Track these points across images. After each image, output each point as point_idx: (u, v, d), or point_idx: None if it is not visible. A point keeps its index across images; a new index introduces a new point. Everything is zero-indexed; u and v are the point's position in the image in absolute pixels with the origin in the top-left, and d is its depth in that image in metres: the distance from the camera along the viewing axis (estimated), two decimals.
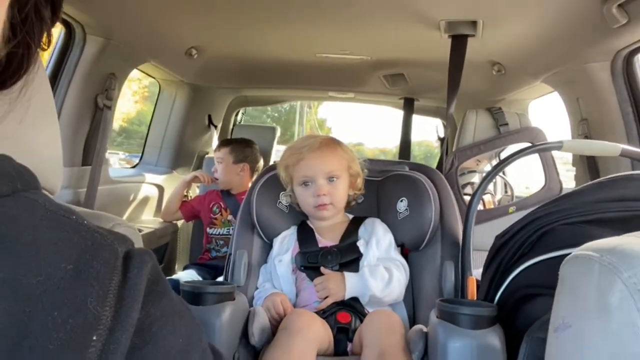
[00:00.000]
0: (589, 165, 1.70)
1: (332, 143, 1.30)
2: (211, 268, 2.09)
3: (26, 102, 0.39)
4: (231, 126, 3.05)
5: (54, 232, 0.30)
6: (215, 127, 2.77)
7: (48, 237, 0.29)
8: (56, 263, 0.28)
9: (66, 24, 1.57)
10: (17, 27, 0.32)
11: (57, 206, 0.32)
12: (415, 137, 2.71)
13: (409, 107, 2.66)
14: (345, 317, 1.12)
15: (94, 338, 0.27)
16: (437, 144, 2.87)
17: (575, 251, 0.47)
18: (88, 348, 0.27)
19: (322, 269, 1.20)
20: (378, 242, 1.24)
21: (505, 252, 0.92)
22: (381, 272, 1.18)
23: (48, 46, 0.36)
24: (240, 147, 2.21)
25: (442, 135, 2.89)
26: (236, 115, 3.11)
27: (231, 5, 1.56)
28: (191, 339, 0.34)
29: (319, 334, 1.05)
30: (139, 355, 0.30)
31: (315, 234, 1.28)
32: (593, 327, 0.41)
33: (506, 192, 2.29)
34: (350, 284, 1.15)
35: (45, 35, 0.35)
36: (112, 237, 0.32)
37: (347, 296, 1.15)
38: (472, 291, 1.09)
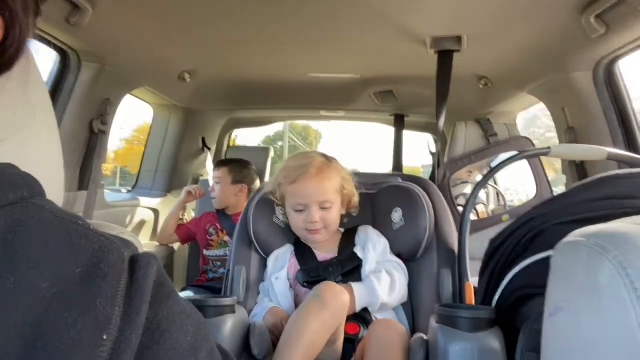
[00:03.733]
0: (578, 172, 1.74)
1: (327, 167, 1.28)
2: (209, 289, 2.08)
3: (25, 108, 0.41)
4: (225, 148, 3.07)
5: (62, 237, 0.31)
6: (209, 149, 2.79)
7: (56, 242, 0.30)
8: (65, 267, 0.29)
9: (61, 51, 1.60)
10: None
11: (64, 212, 0.33)
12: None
13: (400, 123, 2.70)
14: (353, 328, 1.13)
15: (105, 337, 0.28)
16: (423, 169, 2.91)
17: (563, 240, 0.49)
18: (99, 347, 0.28)
19: None
20: (374, 245, 1.26)
21: (500, 255, 0.93)
22: (384, 277, 1.20)
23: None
24: (239, 168, 2.23)
25: (433, 150, 2.93)
26: (229, 137, 3.14)
27: (222, 29, 1.61)
28: (199, 337, 0.35)
29: (344, 313, 1.07)
30: (148, 353, 0.31)
31: (313, 249, 1.29)
32: (584, 306, 0.42)
33: (499, 202, 2.33)
34: (359, 296, 1.15)
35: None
36: (118, 241, 0.33)
37: (358, 309, 1.16)
38: (470, 297, 1.10)
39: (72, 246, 0.30)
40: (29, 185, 0.33)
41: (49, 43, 1.49)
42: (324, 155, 1.32)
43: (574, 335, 0.44)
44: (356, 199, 1.33)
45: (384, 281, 1.19)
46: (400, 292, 1.21)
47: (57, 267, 0.29)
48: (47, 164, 0.47)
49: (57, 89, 1.65)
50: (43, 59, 1.64)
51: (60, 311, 0.28)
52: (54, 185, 0.48)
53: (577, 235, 0.47)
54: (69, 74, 1.66)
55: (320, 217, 1.24)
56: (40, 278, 0.28)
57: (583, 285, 0.43)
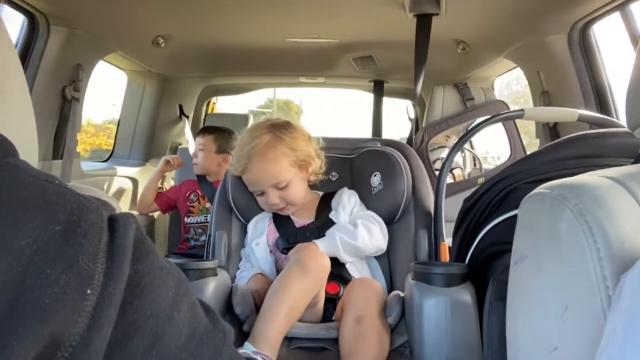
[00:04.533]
0: (551, 135, 1.78)
1: (275, 144, 1.22)
2: (191, 257, 2.09)
3: None
4: (203, 116, 3.03)
5: (39, 196, 0.31)
6: (187, 117, 2.76)
7: (33, 200, 0.30)
8: (44, 225, 0.29)
9: (29, 14, 1.54)
10: None
11: (39, 172, 0.33)
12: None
13: (379, 89, 2.70)
14: (334, 287, 1.16)
15: (88, 292, 0.29)
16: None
17: (530, 193, 0.51)
18: (83, 301, 0.29)
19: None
20: (344, 207, 1.27)
21: (473, 214, 0.96)
22: (344, 225, 1.22)
23: None
24: (224, 137, 2.18)
25: (412, 116, 2.95)
26: (207, 104, 3.10)
27: None
28: (180, 291, 0.36)
29: (325, 277, 1.10)
30: (130, 308, 0.32)
31: (291, 216, 1.31)
32: (546, 252, 0.45)
33: (475, 165, 2.37)
34: (322, 246, 1.17)
35: None
36: (96, 201, 0.33)
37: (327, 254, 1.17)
38: (444, 256, 1.14)
39: (49, 204, 0.30)
40: (3, 146, 0.33)
41: (15, 6, 1.44)
42: (273, 128, 1.25)
43: (536, 281, 0.47)
44: (316, 162, 1.29)
45: (343, 228, 1.21)
46: (367, 236, 1.21)
47: (35, 224, 0.29)
48: (19, 128, 0.46)
49: (26, 54, 1.59)
50: (9, 23, 1.57)
51: (42, 267, 0.28)
52: (27, 150, 0.47)
53: (541, 187, 0.49)
54: (37, 39, 1.60)
55: (279, 196, 1.24)
56: (18, 235, 0.28)
57: (545, 232, 0.46)
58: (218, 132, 2.22)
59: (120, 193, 2.37)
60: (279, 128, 1.26)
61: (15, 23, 1.57)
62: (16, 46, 1.59)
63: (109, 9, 1.66)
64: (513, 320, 0.50)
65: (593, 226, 0.41)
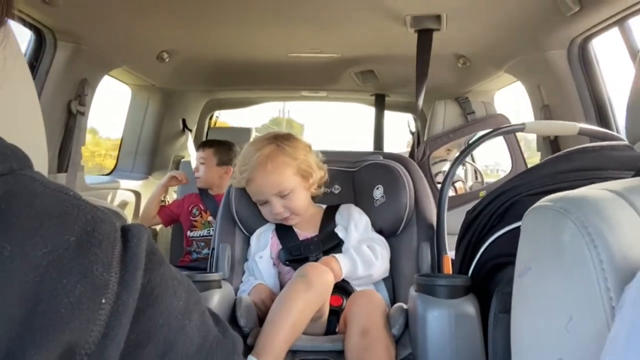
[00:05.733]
0: (552, 148, 1.79)
1: (277, 154, 1.24)
2: (193, 270, 2.09)
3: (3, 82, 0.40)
4: (206, 129, 3.05)
5: (55, 207, 0.31)
6: (190, 130, 2.78)
7: (49, 211, 0.31)
8: (59, 235, 0.30)
9: (36, 30, 1.57)
10: None
11: (54, 184, 0.34)
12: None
13: (380, 103, 2.72)
14: (336, 300, 1.16)
15: (103, 301, 0.30)
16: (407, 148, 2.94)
17: (533, 206, 0.52)
18: (98, 310, 0.29)
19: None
20: (356, 225, 1.28)
21: (475, 226, 0.97)
22: (365, 250, 1.23)
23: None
24: (225, 149, 2.22)
25: (413, 129, 2.97)
26: (210, 118, 3.12)
27: (201, 7, 1.59)
28: (190, 301, 0.37)
29: (329, 292, 1.11)
30: (143, 316, 0.33)
31: (294, 228, 1.31)
32: (550, 264, 0.46)
33: (476, 178, 2.38)
34: (342, 263, 1.17)
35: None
36: (109, 212, 0.34)
37: (344, 275, 1.18)
38: (448, 268, 1.15)
39: (65, 215, 0.31)
40: (17, 157, 0.33)
41: (23, 22, 1.46)
42: (275, 139, 1.28)
43: (540, 291, 0.47)
44: (317, 173, 1.30)
45: (364, 253, 1.22)
46: (381, 265, 1.24)
47: (51, 235, 0.30)
48: (29, 140, 0.47)
49: (33, 69, 1.62)
50: (17, 38, 1.60)
51: (58, 278, 0.29)
52: (38, 162, 0.48)
53: (544, 200, 0.50)
54: (44, 54, 1.63)
55: (283, 205, 1.25)
56: (35, 246, 0.29)
57: (548, 245, 0.47)
58: (218, 145, 2.24)
59: (123, 206, 2.38)
60: (281, 139, 1.29)
61: (22, 39, 1.60)
62: None
63: (114, 25, 1.69)
64: (518, 332, 0.50)
65: (595, 238, 0.42)
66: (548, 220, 0.47)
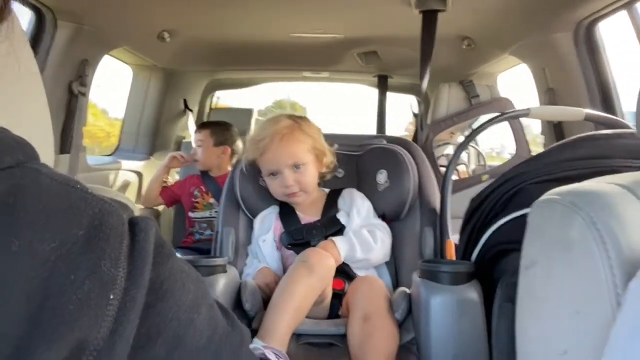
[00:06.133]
0: (556, 132, 1.79)
1: (294, 128, 1.27)
2: (196, 251, 2.11)
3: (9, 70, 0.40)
4: (207, 110, 3.04)
5: (62, 201, 0.31)
6: (191, 111, 2.76)
7: (56, 205, 0.30)
8: (67, 230, 0.30)
9: (36, 10, 1.55)
10: None
11: (61, 176, 0.33)
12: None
13: (383, 84, 2.70)
14: (339, 283, 1.17)
15: (111, 297, 0.29)
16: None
17: (540, 198, 0.52)
18: (106, 306, 0.29)
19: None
20: (359, 210, 1.28)
21: (480, 213, 0.98)
22: (364, 234, 1.23)
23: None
24: (220, 129, 2.23)
25: (416, 112, 2.95)
26: (211, 98, 3.10)
27: None
28: (199, 294, 0.37)
29: (330, 276, 1.12)
30: (152, 311, 0.32)
31: (297, 211, 1.32)
32: (557, 259, 0.46)
33: (479, 162, 2.38)
34: (341, 247, 1.19)
35: None
36: (116, 204, 0.34)
37: (343, 258, 1.19)
38: (450, 253, 1.15)
39: (72, 209, 0.31)
40: (24, 149, 0.33)
41: (23, 1, 1.44)
42: (292, 117, 1.31)
43: (547, 286, 0.48)
44: (329, 156, 1.33)
45: (363, 237, 1.22)
46: (381, 249, 1.24)
47: (59, 229, 0.29)
48: (36, 126, 0.47)
49: (33, 49, 1.59)
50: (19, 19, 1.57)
51: (66, 273, 0.28)
52: (44, 147, 0.47)
53: (552, 193, 0.50)
54: (44, 34, 1.60)
55: (295, 179, 1.26)
56: (43, 240, 0.29)
57: (556, 239, 0.47)
58: (214, 126, 2.25)
59: (125, 187, 2.38)
60: (297, 117, 1.31)
61: (22, 18, 1.57)
62: None
63: (115, 4, 1.66)
64: (523, 323, 0.51)
65: (604, 234, 0.42)
66: (556, 214, 0.48)
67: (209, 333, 0.37)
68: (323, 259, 1.10)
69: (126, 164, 2.38)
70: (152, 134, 2.60)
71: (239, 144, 2.31)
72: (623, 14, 1.48)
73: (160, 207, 2.44)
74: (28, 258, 0.28)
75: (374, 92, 2.77)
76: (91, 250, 0.30)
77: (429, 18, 1.72)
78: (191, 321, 0.35)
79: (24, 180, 0.31)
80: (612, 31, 1.58)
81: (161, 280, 0.34)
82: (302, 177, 1.26)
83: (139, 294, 0.31)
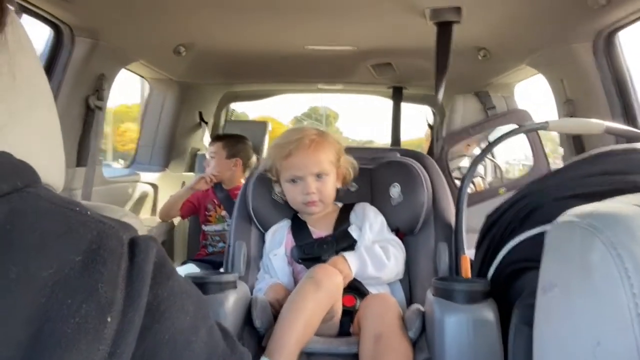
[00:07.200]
0: (575, 145, 1.74)
1: (320, 139, 1.28)
2: (209, 263, 2.11)
3: (14, 85, 0.39)
4: (222, 122, 3.06)
5: (60, 226, 0.31)
6: (207, 123, 2.79)
7: (55, 230, 0.31)
8: (65, 255, 0.30)
9: (54, 26, 1.58)
10: None
11: (61, 199, 0.33)
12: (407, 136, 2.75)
13: (398, 95, 2.68)
14: (350, 300, 1.16)
15: (109, 320, 0.29)
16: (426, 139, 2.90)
17: (558, 219, 0.50)
18: (104, 329, 0.29)
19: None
20: (371, 225, 1.27)
21: (496, 229, 0.95)
22: (377, 250, 1.21)
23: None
24: (233, 142, 2.24)
25: (431, 122, 2.93)
26: (227, 110, 3.13)
27: (217, 1, 1.58)
28: (198, 316, 0.36)
29: (339, 293, 1.10)
30: (150, 333, 0.32)
31: (309, 225, 1.31)
32: (577, 284, 0.44)
33: (496, 174, 2.34)
34: (352, 262, 1.17)
35: None
36: (116, 225, 0.34)
37: (354, 274, 1.17)
38: (466, 269, 1.12)
39: (70, 233, 0.31)
40: (22, 174, 0.33)
41: (41, 18, 1.47)
42: (317, 129, 1.33)
43: (566, 311, 0.46)
44: (352, 171, 1.33)
45: (376, 254, 1.20)
46: (394, 266, 1.23)
47: (57, 255, 0.30)
48: (45, 140, 0.46)
49: (51, 65, 1.63)
50: (35, 34, 1.61)
51: (63, 298, 0.28)
52: (54, 162, 0.46)
53: (571, 214, 0.48)
54: (62, 50, 1.64)
55: (316, 187, 1.25)
56: (41, 267, 0.29)
57: (576, 263, 0.44)
58: (226, 139, 2.26)
59: (141, 199, 2.40)
60: (322, 131, 1.33)
61: (40, 35, 1.61)
62: (42, 57, 1.63)
63: (131, 20, 1.69)
64: (541, 351, 0.48)
65: (626, 260, 0.40)
66: (575, 237, 0.45)
67: (207, 356, 0.36)
68: (330, 275, 1.09)
69: (142, 176, 2.40)
70: (167, 147, 2.63)
71: (253, 156, 2.32)
72: None
73: (176, 220, 2.45)
74: (26, 284, 0.28)
75: None
76: (88, 275, 0.30)
77: (444, 30, 1.70)
78: (188, 344, 0.35)
79: (22, 206, 0.31)
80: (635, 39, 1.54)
81: (159, 301, 0.33)
82: (324, 186, 1.27)
83: (137, 315, 0.31)
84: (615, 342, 0.40)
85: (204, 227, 2.23)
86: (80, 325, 0.28)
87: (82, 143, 1.83)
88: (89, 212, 0.33)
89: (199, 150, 2.84)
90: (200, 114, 2.77)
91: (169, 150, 2.64)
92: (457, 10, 1.61)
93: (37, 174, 0.35)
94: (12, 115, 0.38)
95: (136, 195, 2.35)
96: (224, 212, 2.19)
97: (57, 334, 0.28)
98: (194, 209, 2.27)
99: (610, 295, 0.40)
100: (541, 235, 0.88)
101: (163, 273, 0.34)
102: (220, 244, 2.19)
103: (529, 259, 0.85)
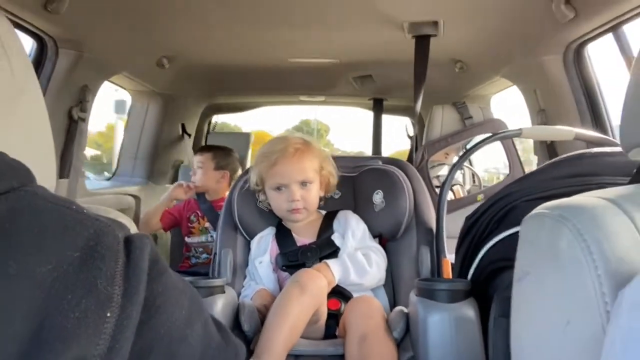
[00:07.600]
0: (549, 151, 1.81)
1: (305, 147, 1.31)
2: (193, 274, 2.09)
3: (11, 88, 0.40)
4: (205, 134, 3.07)
5: (58, 223, 0.32)
6: (189, 135, 2.79)
7: (53, 227, 0.32)
8: (63, 252, 0.31)
9: (37, 38, 1.58)
10: None
11: (57, 198, 0.34)
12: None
13: (379, 107, 2.75)
14: (335, 303, 1.18)
15: (108, 315, 0.30)
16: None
17: (530, 213, 0.54)
18: (103, 324, 0.30)
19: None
20: (353, 232, 1.29)
21: (475, 231, 0.99)
22: (359, 257, 1.24)
23: None
24: (222, 154, 2.22)
25: (411, 133, 2.99)
26: (209, 123, 3.14)
27: (201, 14, 1.61)
28: (193, 310, 0.38)
29: (323, 296, 1.13)
30: (146, 327, 0.33)
31: (292, 233, 1.33)
32: (547, 269, 0.48)
33: (474, 182, 2.41)
34: (334, 269, 1.19)
35: None
36: (112, 223, 0.35)
37: (337, 280, 1.19)
38: (447, 271, 1.16)
39: (68, 231, 0.32)
40: (18, 174, 0.34)
41: (25, 30, 1.48)
42: (301, 138, 1.36)
43: (539, 296, 0.49)
44: (334, 180, 1.36)
45: (357, 260, 1.23)
46: (376, 273, 1.25)
47: (55, 252, 0.30)
48: (38, 148, 0.47)
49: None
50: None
51: (62, 293, 0.29)
52: (46, 169, 0.47)
53: (541, 208, 0.52)
54: (46, 61, 1.64)
55: (301, 195, 1.28)
56: (40, 263, 0.29)
57: (546, 250, 0.48)
58: (216, 150, 2.24)
59: (123, 212, 2.38)
60: (306, 140, 1.36)
61: (25, 46, 1.61)
62: None
63: (115, 32, 1.71)
64: (517, 336, 0.52)
65: (591, 245, 0.44)
66: (545, 227, 0.49)
67: (202, 349, 0.37)
68: (314, 278, 1.11)
69: (124, 188, 2.39)
70: (150, 159, 2.62)
71: (239, 169, 2.32)
72: (610, 37, 1.52)
73: (158, 232, 2.43)
74: (25, 280, 0.29)
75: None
76: (87, 270, 0.31)
77: (422, 43, 1.77)
78: (184, 337, 0.36)
79: (20, 205, 0.32)
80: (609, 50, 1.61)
81: (154, 296, 0.34)
82: (308, 194, 1.29)
83: (135, 310, 0.32)
84: (582, 320, 0.43)
85: (187, 239, 2.22)
86: (80, 320, 0.29)
87: (65, 154, 1.81)
88: (85, 211, 0.34)
89: (182, 162, 2.84)
90: (183, 126, 2.77)
91: (152, 162, 2.64)
92: (434, 24, 1.68)
93: (32, 174, 0.36)
94: (6, 117, 0.40)
95: (119, 207, 2.33)
96: (207, 224, 2.18)
97: (57, 329, 0.28)
98: (175, 220, 2.25)
99: (577, 277, 0.44)
100: (515, 235, 0.92)
101: (157, 269, 0.35)
102: (204, 256, 2.17)
103: (506, 258, 0.89)
